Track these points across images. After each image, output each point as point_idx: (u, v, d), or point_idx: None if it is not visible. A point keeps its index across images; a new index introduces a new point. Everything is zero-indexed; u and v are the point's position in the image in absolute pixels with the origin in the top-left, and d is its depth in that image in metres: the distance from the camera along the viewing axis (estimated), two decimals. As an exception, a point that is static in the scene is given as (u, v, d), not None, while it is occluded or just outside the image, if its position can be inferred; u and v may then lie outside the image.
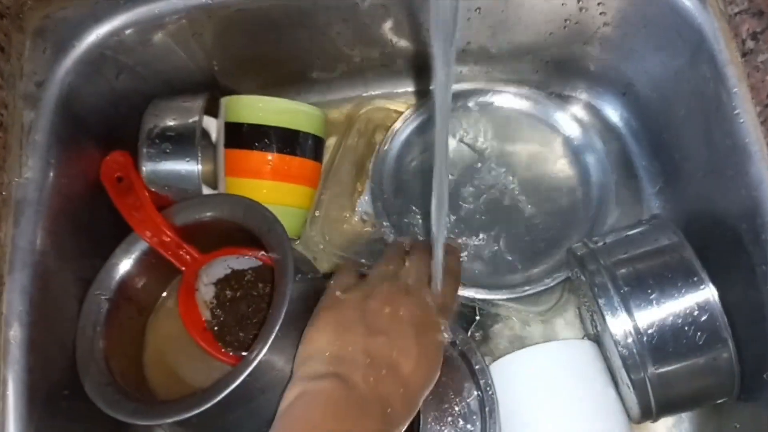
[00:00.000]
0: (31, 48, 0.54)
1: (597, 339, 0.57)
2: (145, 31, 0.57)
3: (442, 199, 0.41)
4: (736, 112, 0.50)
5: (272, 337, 0.45)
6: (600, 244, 0.54)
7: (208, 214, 0.55)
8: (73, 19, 0.55)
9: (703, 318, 0.48)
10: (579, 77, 0.69)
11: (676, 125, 0.60)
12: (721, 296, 0.48)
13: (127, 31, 0.56)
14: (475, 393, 0.55)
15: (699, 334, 0.48)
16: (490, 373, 0.55)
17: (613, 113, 0.70)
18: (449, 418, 0.55)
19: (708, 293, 0.49)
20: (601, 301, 0.50)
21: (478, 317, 0.62)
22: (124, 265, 0.55)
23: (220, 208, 0.55)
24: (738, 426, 0.52)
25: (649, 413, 0.51)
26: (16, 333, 0.49)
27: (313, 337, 0.45)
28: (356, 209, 0.66)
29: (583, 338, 0.61)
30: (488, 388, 0.55)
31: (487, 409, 0.54)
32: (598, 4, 0.59)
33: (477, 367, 0.55)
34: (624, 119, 0.69)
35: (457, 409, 0.55)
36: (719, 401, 0.52)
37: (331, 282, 0.50)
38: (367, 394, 0.41)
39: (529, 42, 0.65)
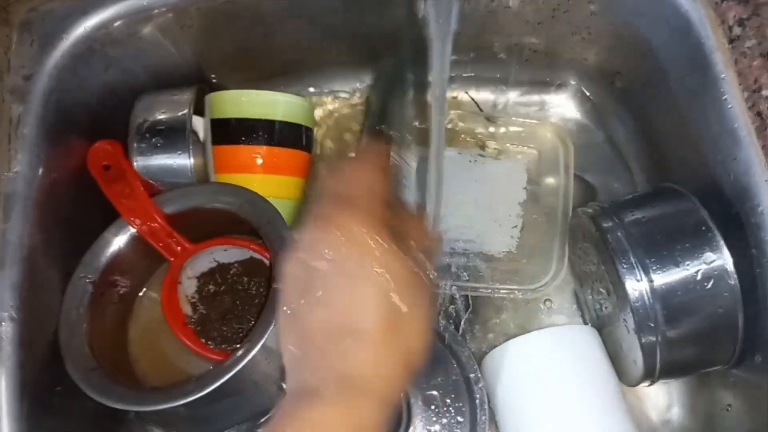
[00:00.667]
0: (18, 41, 0.54)
1: (598, 324, 0.57)
2: (134, 23, 0.56)
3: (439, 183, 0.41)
4: (724, 97, 0.50)
5: (270, 327, 0.45)
6: (613, 204, 0.54)
7: (203, 202, 0.54)
8: (60, 11, 0.55)
9: (718, 283, 0.48)
10: (568, 66, 0.69)
11: (664, 113, 0.61)
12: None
13: (116, 24, 0.55)
14: (464, 385, 0.56)
15: (712, 299, 0.48)
16: (476, 364, 0.56)
17: (603, 102, 0.70)
18: (437, 412, 0.55)
19: (724, 259, 0.48)
20: (616, 259, 0.49)
21: (470, 306, 0.63)
22: (112, 249, 0.54)
23: (216, 197, 0.54)
24: (730, 407, 0.53)
25: (651, 375, 0.51)
26: (7, 329, 0.49)
27: (284, 348, 0.39)
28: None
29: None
30: (477, 381, 0.56)
31: (477, 400, 0.55)
32: (586, -8, 0.59)
33: (464, 358, 0.56)
34: (613, 107, 0.69)
35: (447, 401, 0.56)
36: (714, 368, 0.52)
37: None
38: (347, 412, 0.35)
39: (519, 32, 0.65)
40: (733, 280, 0.48)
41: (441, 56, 0.32)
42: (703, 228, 0.49)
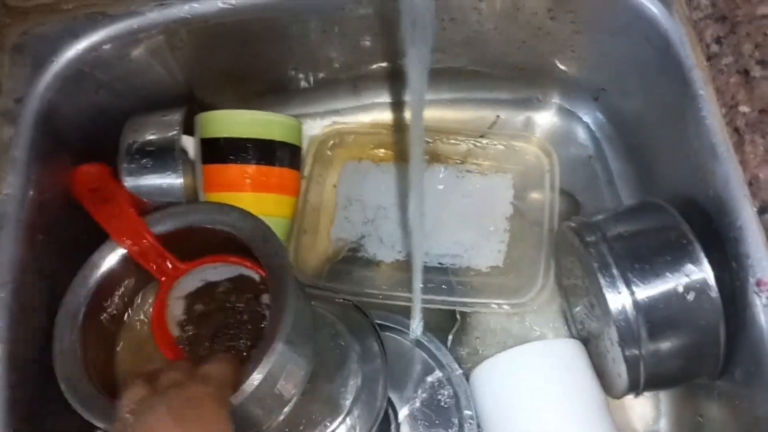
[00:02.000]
0: (9, 64, 0.55)
1: (583, 337, 0.58)
2: (124, 46, 0.57)
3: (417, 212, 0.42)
4: (702, 114, 0.51)
5: (278, 348, 0.44)
6: (596, 218, 0.54)
7: (195, 221, 0.53)
8: (51, 35, 0.56)
9: (699, 296, 0.48)
10: (552, 83, 0.70)
11: (647, 129, 0.62)
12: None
13: (106, 47, 0.56)
14: (452, 399, 0.56)
15: (694, 311, 0.48)
16: (464, 378, 0.56)
17: (587, 118, 0.71)
18: (426, 425, 0.56)
19: (704, 272, 0.49)
20: (598, 273, 0.50)
21: (458, 321, 0.63)
22: (101, 271, 0.53)
23: (208, 215, 0.53)
24: (715, 420, 0.53)
25: (636, 387, 0.51)
26: (-3, 349, 0.49)
27: None
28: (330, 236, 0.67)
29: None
30: (466, 395, 0.56)
31: (464, 414, 0.56)
32: (568, 12, 0.60)
33: (452, 372, 0.56)
34: (597, 124, 0.70)
35: (435, 415, 0.56)
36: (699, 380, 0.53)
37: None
38: None
39: (503, 50, 0.66)
40: (714, 293, 0.48)
41: (419, 78, 0.32)
42: (684, 241, 0.50)
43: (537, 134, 0.71)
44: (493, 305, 0.62)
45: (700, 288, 0.48)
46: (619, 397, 0.54)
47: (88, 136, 0.60)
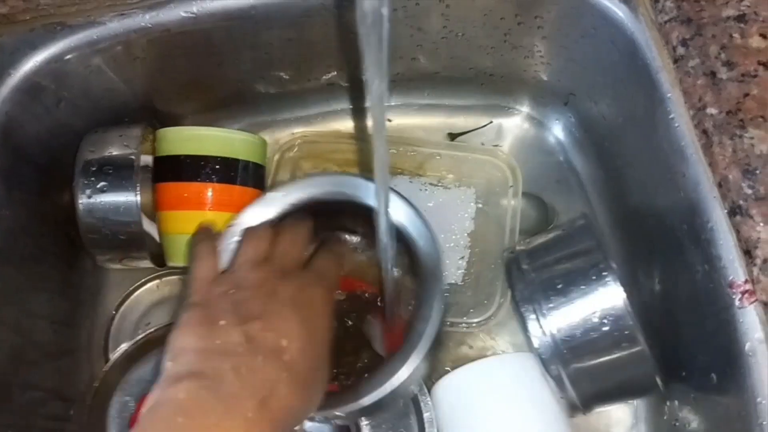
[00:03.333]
0: (-35, 77, 0.53)
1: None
2: (84, 57, 0.56)
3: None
4: (671, 116, 0.51)
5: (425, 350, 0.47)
6: (522, 248, 0.57)
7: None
8: (8, 46, 0.54)
9: (612, 320, 0.50)
10: (522, 89, 0.70)
11: (617, 132, 0.62)
12: (638, 293, 0.53)
13: (65, 58, 0.55)
14: (412, 406, 0.57)
15: (609, 334, 0.51)
16: (424, 387, 0.56)
17: (557, 123, 0.71)
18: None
19: (616, 294, 0.51)
20: (520, 306, 0.53)
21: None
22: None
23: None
24: (689, 424, 0.53)
25: (576, 407, 0.53)
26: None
27: (181, 334, 0.42)
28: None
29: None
30: (426, 404, 0.56)
31: (425, 422, 0.56)
32: (535, 17, 0.60)
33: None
34: (567, 129, 0.70)
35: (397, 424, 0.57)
36: (648, 395, 0.56)
37: (192, 272, 0.48)
38: (237, 386, 0.38)
39: (472, 57, 0.66)
40: (627, 313, 0.50)
41: (378, 87, 0.32)
42: (600, 267, 0.52)
43: (507, 140, 0.71)
44: (450, 323, 0.62)
45: (615, 314, 0.50)
46: (571, 416, 0.55)
47: (50, 150, 0.59)
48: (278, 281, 0.45)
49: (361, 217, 0.51)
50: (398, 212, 0.52)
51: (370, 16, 0.27)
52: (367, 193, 0.52)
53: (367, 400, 0.47)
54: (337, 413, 0.47)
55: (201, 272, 0.47)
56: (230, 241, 0.51)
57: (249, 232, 0.51)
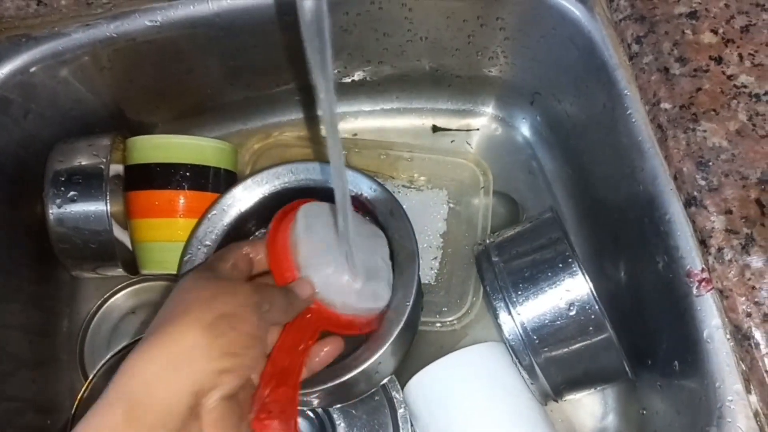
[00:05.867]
0: (-69, 91, 0.53)
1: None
2: (50, 68, 0.56)
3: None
4: (628, 112, 0.53)
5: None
6: (491, 241, 0.58)
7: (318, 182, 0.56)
8: (-27, 59, 0.55)
9: (578, 307, 0.52)
10: (488, 89, 0.71)
11: (581, 129, 0.63)
12: (605, 284, 0.54)
13: (30, 70, 0.55)
14: (386, 404, 0.58)
15: (576, 322, 0.52)
16: (398, 384, 0.57)
17: (524, 122, 0.72)
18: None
19: (581, 284, 0.52)
20: (491, 296, 0.54)
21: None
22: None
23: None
24: (658, 412, 0.54)
25: (547, 394, 0.55)
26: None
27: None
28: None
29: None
30: (399, 402, 0.57)
31: (399, 419, 0.57)
32: (497, 19, 0.61)
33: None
34: (534, 128, 0.71)
35: (371, 421, 0.57)
36: (618, 382, 0.57)
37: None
38: None
39: (438, 59, 0.67)
40: (593, 303, 0.51)
41: (325, 91, 0.32)
42: (566, 255, 0.53)
43: (475, 139, 0.72)
44: (425, 323, 0.63)
45: (582, 301, 0.52)
46: (544, 403, 0.56)
47: (20, 161, 0.59)
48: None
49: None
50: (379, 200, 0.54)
51: (309, 14, 0.27)
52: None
53: (335, 380, 0.48)
54: (309, 397, 0.49)
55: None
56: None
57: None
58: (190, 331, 0.39)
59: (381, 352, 0.49)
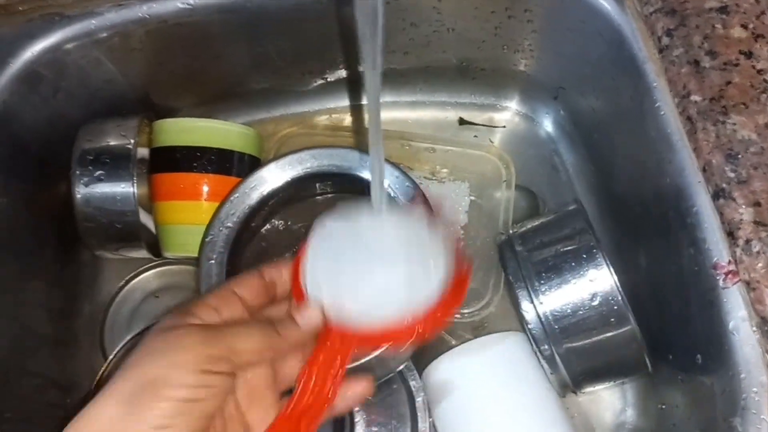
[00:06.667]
0: (-36, 67, 0.54)
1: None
2: (82, 47, 0.56)
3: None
4: (657, 105, 0.53)
5: None
6: (515, 231, 0.58)
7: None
8: (6, 36, 0.55)
9: (602, 298, 0.52)
10: (512, 83, 0.71)
11: (606, 123, 0.63)
12: (626, 278, 0.52)
13: (63, 48, 0.56)
14: (405, 393, 0.57)
15: (599, 313, 0.52)
16: (416, 373, 0.57)
17: (547, 117, 0.72)
18: (379, 421, 0.56)
19: (605, 275, 0.52)
20: (514, 285, 0.54)
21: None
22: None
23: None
24: (678, 406, 0.54)
25: (567, 385, 0.55)
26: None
27: None
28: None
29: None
30: (418, 390, 0.57)
31: (418, 408, 0.56)
32: (525, 11, 0.61)
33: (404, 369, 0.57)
34: (557, 122, 0.72)
35: (389, 410, 0.57)
36: (637, 375, 0.57)
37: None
38: None
39: (464, 51, 0.67)
40: (617, 294, 0.51)
41: (372, 84, 0.33)
42: (591, 245, 0.53)
43: (498, 133, 0.72)
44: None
45: (605, 293, 0.52)
46: (562, 395, 0.56)
47: (47, 140, 0.60)
48: None
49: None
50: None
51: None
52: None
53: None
54: None
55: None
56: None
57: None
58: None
59: None
